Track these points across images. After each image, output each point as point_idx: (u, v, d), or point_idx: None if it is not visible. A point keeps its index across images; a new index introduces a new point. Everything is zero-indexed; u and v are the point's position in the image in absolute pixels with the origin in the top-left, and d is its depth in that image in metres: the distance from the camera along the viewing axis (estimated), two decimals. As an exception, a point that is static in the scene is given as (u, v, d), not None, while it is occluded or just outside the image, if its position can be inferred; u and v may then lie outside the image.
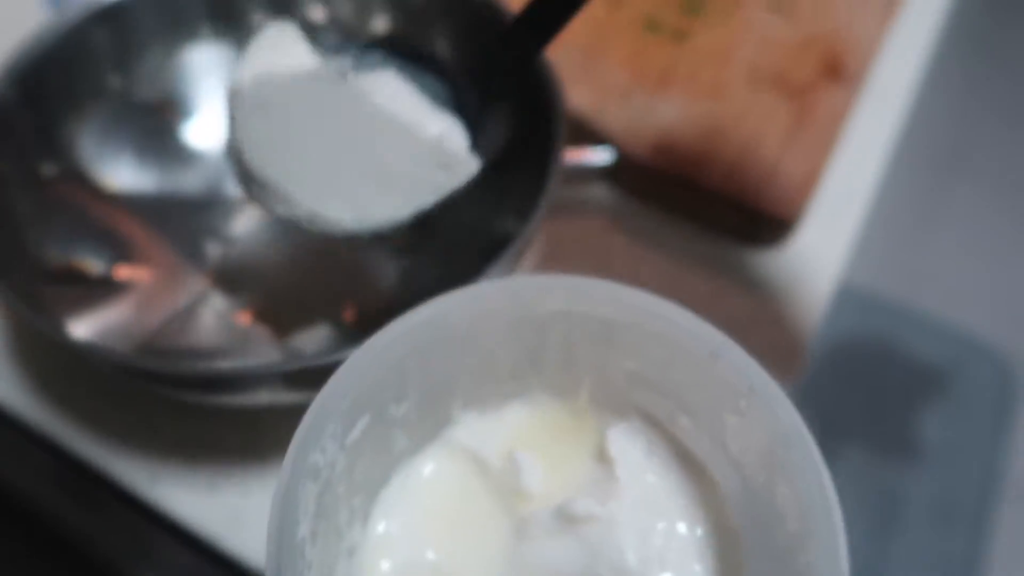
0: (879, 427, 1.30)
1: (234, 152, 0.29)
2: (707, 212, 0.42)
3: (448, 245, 0.41)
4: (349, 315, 0.40)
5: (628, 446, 0.28)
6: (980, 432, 1.28)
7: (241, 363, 0.36)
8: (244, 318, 0.40)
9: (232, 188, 0.43)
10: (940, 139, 1.48)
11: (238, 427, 0.37)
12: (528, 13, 0.31)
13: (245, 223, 0.43)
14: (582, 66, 0.46)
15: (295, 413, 0.37)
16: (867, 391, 1.34)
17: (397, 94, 0.29)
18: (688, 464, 0.28)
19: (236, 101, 0.29)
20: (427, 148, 0.28)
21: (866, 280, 1.32)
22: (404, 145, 0.28)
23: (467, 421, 0.29)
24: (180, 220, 0.42)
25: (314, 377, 0.30)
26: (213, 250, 0.42)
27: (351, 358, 0.23)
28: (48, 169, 0.37)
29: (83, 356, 0.29)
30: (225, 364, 0.36)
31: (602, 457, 0.28)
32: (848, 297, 0.43)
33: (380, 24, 0.42)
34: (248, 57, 0.29)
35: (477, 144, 0.30)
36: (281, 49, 0.29)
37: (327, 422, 0.22)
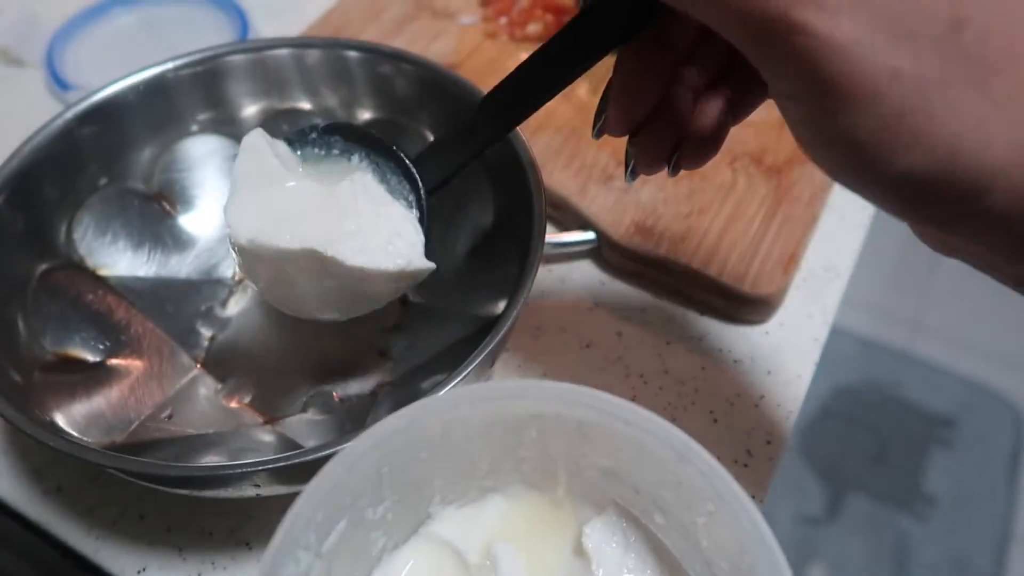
0: (888, 476, 1.29)
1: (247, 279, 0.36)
2: (690, 292, 0.43)
3: (435, 327, 0.42)
4: (338, 397, 0.41)
5: (604, 541, 0.28)
6: (992, 479, 1.26)
7: (228, 454, 0.37)
8: (234, 401, 0.40)
9: (225, 271, 0.44)
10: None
11: (227, 514, 0.37)
12: (493, 99, 0.32)
13: (236, 305, 0.44)
14: (565, 148, 0.47)
15: (284, 500, 0.37)
16: (875, 440, 1.33)
17: (364, 205, 0.34)
18: (664, 559, 0.28)
19: (239, 251, 0.35)
20: (392, 275, 0.34)
21: (869, 328, 1.32)
22: (373, 279, 0.34)
23: (445, 515, 0.29)
24: (174, 304, 0.43)
25: (300, 471, 0.30)
26: (205, 333, 0.42)
27: (324, 471, 0.23)
28: (44, 265, 0.38)
29: (68, 455, 0.30)
30: (211, 458, 0.36)
31: (580, 550, 0.29)
32: (853, 346, 0.43)
33: (365, 113, 0.43)
34: (235, 182, 0.34)
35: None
36: (260, 165, 0.33)
37: (300, 534, 0.23)
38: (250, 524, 0.37)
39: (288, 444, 0.39)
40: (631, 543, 0.28)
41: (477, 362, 0.32)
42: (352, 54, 0.41)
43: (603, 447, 0.27)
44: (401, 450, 0.25)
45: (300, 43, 0.41)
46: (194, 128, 0.42)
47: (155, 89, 0.40)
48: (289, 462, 0.29)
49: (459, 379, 0.31)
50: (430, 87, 0.41)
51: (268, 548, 0.22)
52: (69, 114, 0.38)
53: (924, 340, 1.35)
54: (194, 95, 0.41)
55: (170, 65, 0.40)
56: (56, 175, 0.38)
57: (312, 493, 0.23)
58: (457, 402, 0.25)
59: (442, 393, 0.28)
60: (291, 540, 0.22)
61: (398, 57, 0.41)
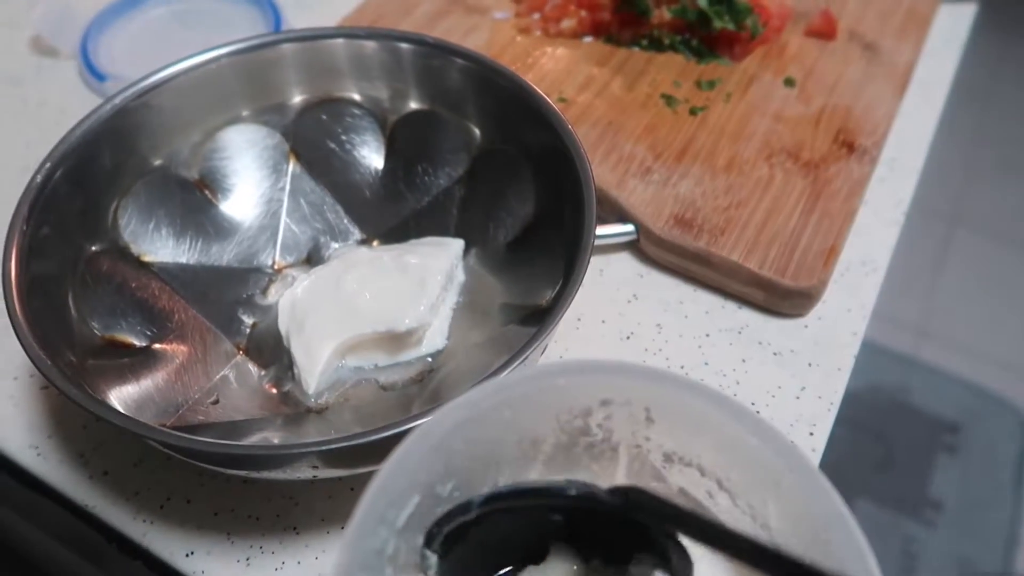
0: (894, 482, 1.29)
1: None
2: (729, 284, 0.43)
3: (476, 316, 0.42)
4: (381, 384, 0.41)
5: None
6: (998, 485, 1.26)
7: (275, 439, 0.37)
8: (278, 388, 0.41)
9: (265, 259, 0.44)
10: (948, 194, 1.50)
11: (273, 500, 0.37)
12: None
13: (276, 293, 0.44)
14: (602, 141, 0.47)
15: (330, 486, 0.37)
16: (881, 446, 1.33)
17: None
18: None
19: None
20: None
21: (880, 335, 1.32)
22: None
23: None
24: (217, 291, 0.43)
25: (362, 453, 0.30)
26: (247, 320, 0.43)
27: (402, 446, 0.23)
28: (92, 247, 0.38)
29: (127, 432, 0.30)
30: (265, 438, 0.36)
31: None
32: (862, 352, 0.43)
33: (412, 103, 0.43)
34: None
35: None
36: None
37: (382, 508, 0.23)
38: (296, 510, 0.37)
39: (333, 431, 0.39)
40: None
41: (531, 351, 0.32)
42: (404, 46, 0.41)
43: (669, 428, 0.27)
44: (472, 430, 0.25)
45: (353, 33, 0.42)
46: (245, 114, 0.42)
47: (205, 75, 0.40)
48: (353, 442, 0.29)
49: (510, 369, 0.32)
50: (479, 80, 0.41)
51: (351, 520, 0.22)
52: (119, 98, 0.38)
53: (930, 345, 1.36)
54: (242, 83, 0.42)
55: (222, 51, 0.40)
56: (109, 154, 0.38)
57: (393, 467, 0.23)
58: (527, 382, 0.25)
59: (514, 373, 0.28)
60: (374, 514, 0.22)
61: (450, 50, 0.41)
